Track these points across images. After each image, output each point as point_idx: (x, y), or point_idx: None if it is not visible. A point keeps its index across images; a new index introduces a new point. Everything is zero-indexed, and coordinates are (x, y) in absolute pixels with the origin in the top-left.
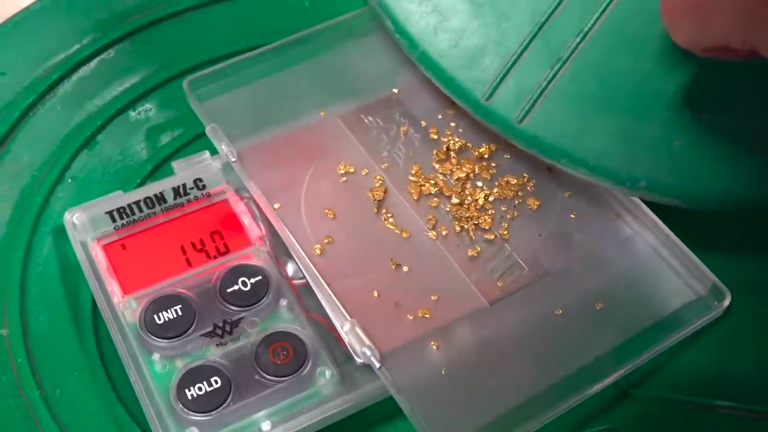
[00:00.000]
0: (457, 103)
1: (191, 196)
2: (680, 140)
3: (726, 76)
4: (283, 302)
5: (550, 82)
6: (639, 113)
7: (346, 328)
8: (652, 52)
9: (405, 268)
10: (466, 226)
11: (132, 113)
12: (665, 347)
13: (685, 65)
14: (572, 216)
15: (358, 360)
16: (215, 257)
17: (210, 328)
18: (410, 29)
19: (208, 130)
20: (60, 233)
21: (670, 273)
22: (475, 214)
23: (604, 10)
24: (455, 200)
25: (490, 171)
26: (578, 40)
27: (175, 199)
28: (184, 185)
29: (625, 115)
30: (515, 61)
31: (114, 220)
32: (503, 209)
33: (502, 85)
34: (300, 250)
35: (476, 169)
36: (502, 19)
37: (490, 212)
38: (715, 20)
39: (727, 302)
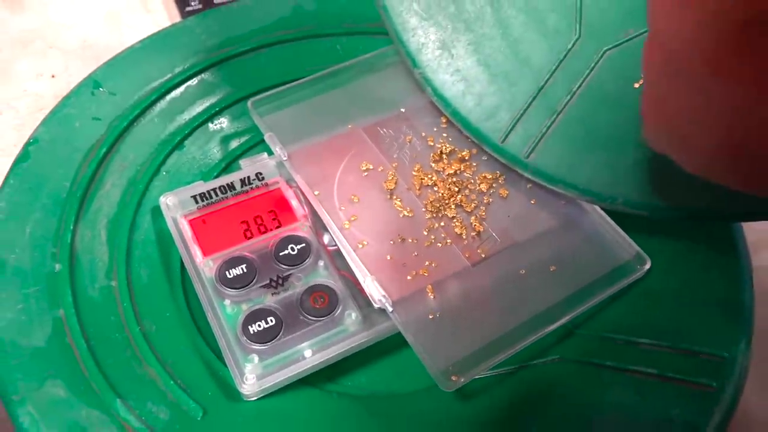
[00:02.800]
0: (449, 121)
1: (253, 185)
2: (647, 169)
3: None
4: (321, 263)
5: (548, 128)
6: (616, 150)
7: (366, 282)
8: (623, 105)
9: (409, 239)
10: (454, 209)
11: (210, 125)
12: (601, 299)
13: None
14: (532, 202)
15: (376, 305)
16: (271, 230)
17: (267, 282)
18: (445, 93)
19: (266, 137)
20: (156, 212)
21: (604, 244)
22: (461, 200)
23: (587, 76)
24: (446, 190)
25: (472, 168)
26: (569, 97)
27: (241, 187)
28: (248, 177)
29: (605, 151)
30: (522, 114)
31: (197, 202)
32: (481, 196)
33: (513, 132)
34: (333, 225)
35: (461, 167)
36: (512, 85)
37: (472, 198)
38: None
39: (647, 266)
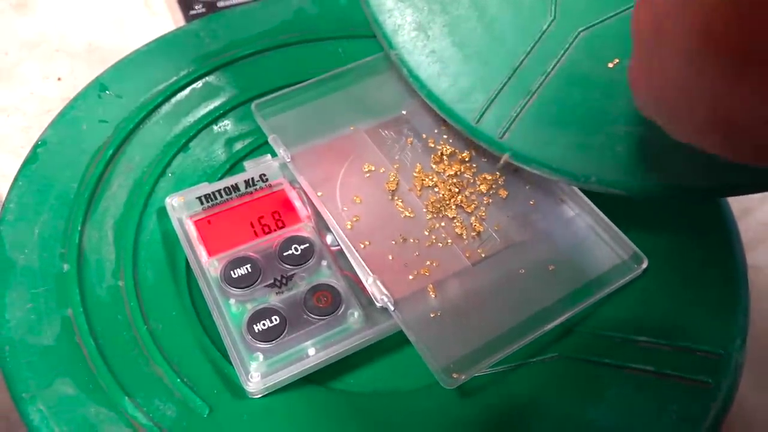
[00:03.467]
0: (449, 123)
1: (257, 186)
2: (620, 147)
3: None
4: (324, 263)
5: (522, 108)
6: (589, 129)
7: (369, 282)
8: (596, 85)
9: (411, 239)
10: (455, 209)
11: (215, 127)
12: (599, 297)
13: (621, 94)
14: (531, 203)
15: (378, 304)
16: (275, 230)
17: (271, 281)
18: (420, 75)
19: (270, 139)
20: (162, 212)
21: (602, 243)
22: (461, 200)
23: (561, 57)
24: (447, 191)
25: (472, 170)
26: (543, 78)
27: (246, 188)
28: (252, 178)
29: (579, 131)
30: (496, 95)
31: (202, 203)
32: (481, 197)
33: (487, 112)
34: (336, 225)
35: (462, 169)
36: (487, 66)
37: (472, 199)
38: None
39: (644, 265)
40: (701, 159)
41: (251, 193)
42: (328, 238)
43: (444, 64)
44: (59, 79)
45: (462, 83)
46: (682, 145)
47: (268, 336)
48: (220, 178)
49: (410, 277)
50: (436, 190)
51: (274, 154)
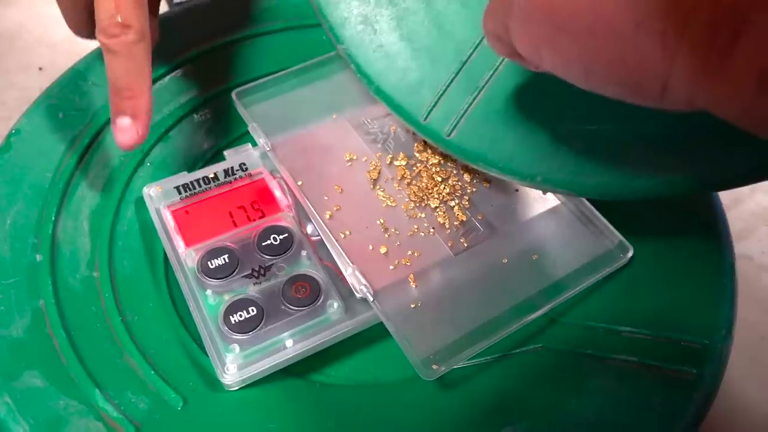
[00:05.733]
0: None
1: (237, 176)
2: (567, 146)
3: (601, 98)
4: (303, 253)
5: (470, 105)
6: (536, 127)
7: (348, 272)
8: (548, 81)
9: (392, 229)
10: (437, 198)
11: (195, 116)
12: (583, 287)
13: (568, 90)
14: (516, 191)
15: (358, 295)
16: (254, 220)
17: (249, 272)
18: (368, 70)
19: (250, 128)
20: (140, 202)
21: (587, 232)
22: (445, 189)
23: None
24: (430, 180)
25: (456, 158)
26: (491, 72)
27: (225, 177)
28: (232, 168)
29: (526, 129)
30: (444, 91)
31: (180, 193)
32: (465, 186)
33: (435, 109)
34: (316, 215)
35: (445, 158)
36: (435, 60)
37: (456, 188)
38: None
39: (629, 254)
40: (651, 157)
41: (230, 182)
42: (309, 228)
43: (392, 59)
44: (40, 69)
45: (410, 79)
46: (632, 143)
47: (244, 327)
48: (200, 168)
49: (391, 267)
50: (418, 178)
51: (254, 143)
